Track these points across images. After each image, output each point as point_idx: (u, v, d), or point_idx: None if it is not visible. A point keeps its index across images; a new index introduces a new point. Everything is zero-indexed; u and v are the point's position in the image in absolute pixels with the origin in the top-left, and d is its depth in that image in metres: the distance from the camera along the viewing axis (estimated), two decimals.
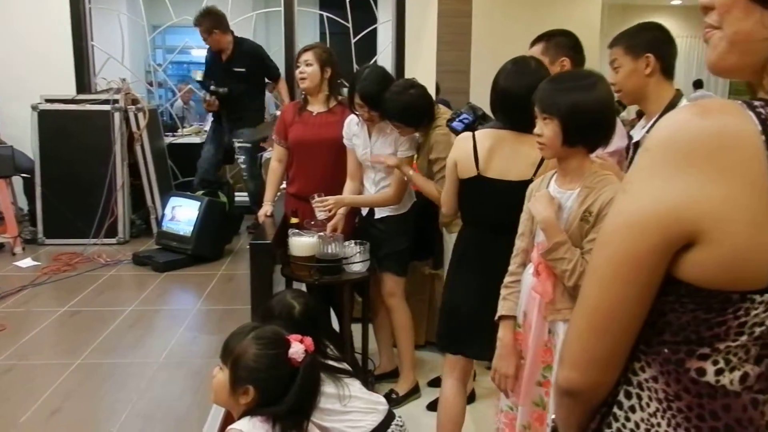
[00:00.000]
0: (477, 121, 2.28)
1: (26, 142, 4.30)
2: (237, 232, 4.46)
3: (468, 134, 1.99)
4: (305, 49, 2.87)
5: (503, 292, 1.79)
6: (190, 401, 2.31)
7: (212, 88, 4.43)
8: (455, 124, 2.32)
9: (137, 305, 3.20)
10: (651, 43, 1.86)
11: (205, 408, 2.18)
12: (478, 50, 7.03)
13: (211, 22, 4.34)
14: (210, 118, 5.21)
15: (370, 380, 2.81)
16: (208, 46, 4.56)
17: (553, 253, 1.58)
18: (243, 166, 4.54)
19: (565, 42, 2.30)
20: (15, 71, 4.63)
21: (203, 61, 4.75)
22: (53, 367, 2.52)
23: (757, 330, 0.66)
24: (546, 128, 1.60)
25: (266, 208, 3.06)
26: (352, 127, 2.68)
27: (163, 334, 2.92)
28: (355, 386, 1.81)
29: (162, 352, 2.68)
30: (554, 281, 1.62)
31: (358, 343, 2.92)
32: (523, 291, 1.75)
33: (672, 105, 1.85)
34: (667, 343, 0.71)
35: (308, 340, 1.53)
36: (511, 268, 1.80)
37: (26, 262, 3.80)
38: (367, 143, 2.65)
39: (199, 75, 4.69)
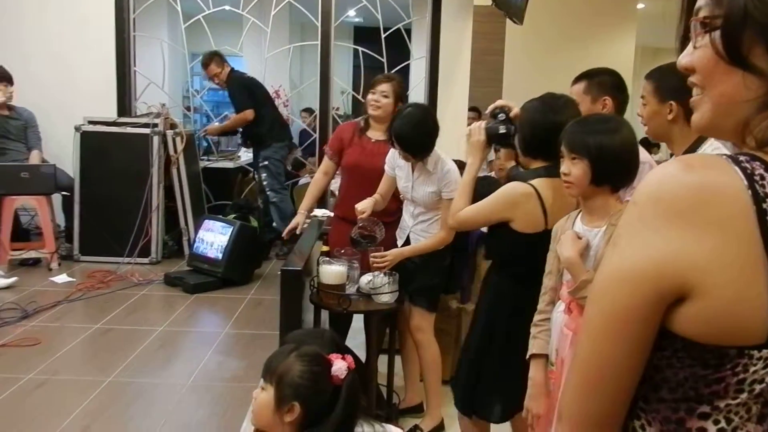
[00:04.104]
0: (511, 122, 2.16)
1: (68, 161, 4.44)
2: (267, 257, 4.51)
3: (530, 191, 1.89)
4: (385, 80, 2.91)
5: (533, 330, 1.79)
6: (216, 426, 2.32)
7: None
8: (494, 126, 2.14)
9: (167, 326, 3.25)
10: (677, 90, 1.81)
11: None
12: (510, 88, 7.10)
13: (208, 58, 4.92)
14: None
15: (394, 414, 2.79)
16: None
17: (581, 291, 1.59)
18: (264, 183, 4.78)
19: (608, 81, 2.29)
20: (61, 93, 4.81)
21: None
22: (84, 384, 2.57)
23: (758, 387, 0.65)
24: (574, 168, 1.64)
25: (299, 219, 3.05)
26: (397, 158, 2.70)
27: (191, 357, 2.95)
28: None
29: (190, 375, 2.71)
30: None
31: (383, 370, 2.91)
32: (554, 329, 1.75)
33: (691, 150, 1.83)
34: (666, 401, 0.69)
35: (349, 358, 1.54)
36: (540, 306, 1.80)
37: (62, 278, 3.89)
38: (410, 177, 2.66)
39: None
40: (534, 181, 1.91)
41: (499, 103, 2.16)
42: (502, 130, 2.09)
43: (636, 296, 0.67)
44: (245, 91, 4.95)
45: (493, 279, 2.13)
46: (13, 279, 3.72)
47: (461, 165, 3.02)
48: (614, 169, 1.62)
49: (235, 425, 2.25)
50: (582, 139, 1.63)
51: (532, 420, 1.75)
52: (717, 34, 0.68)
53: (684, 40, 0.75)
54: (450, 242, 2.69)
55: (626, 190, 1.74)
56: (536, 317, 1.79)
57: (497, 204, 1.97)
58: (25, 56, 4.79)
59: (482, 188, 2.33)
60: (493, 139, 2.12)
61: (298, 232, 3.06)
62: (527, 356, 1.78)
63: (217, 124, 5.48)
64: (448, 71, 5.14)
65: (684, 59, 0.74)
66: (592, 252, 1.64)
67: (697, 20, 0.70)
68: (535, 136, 1.93)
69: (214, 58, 4.91)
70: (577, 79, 2.32)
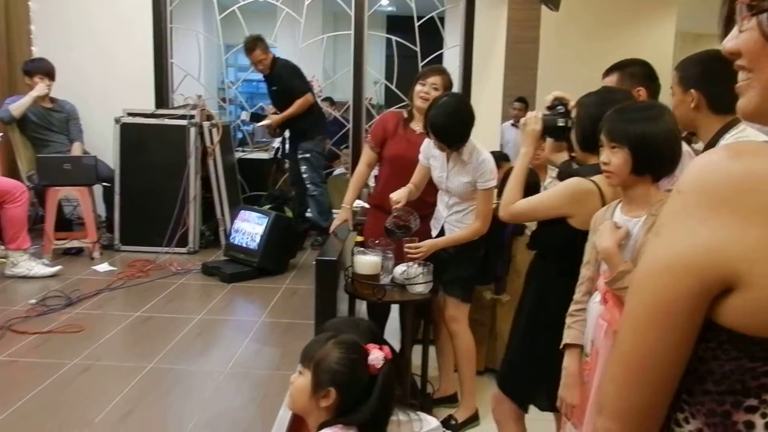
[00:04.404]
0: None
1: (108, 152, 4.54)
2: (301, 247, 4.55)
3: (593, 188, 1.85)
4: (437, 72, 2.90)
5: (568, 320, 1.78)
6: (254, 412, 2.37)
7: (247, 119, 4.94)
8: (552, 117, 2.10)
9: (205, 314, 3.31)
10: (698, 79, 1.83)
11: (269, 419, 2.24)
12: (544, 76, 7.00)
13: (252, 42, 4.66)
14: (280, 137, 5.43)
15: (428, 403, 2.80)
16: None
17: (618, 282, 1.57)
18: (305, 175, 4.73)
19: (640, 72, 2.27)
20: (102, 85, 4.92)
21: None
22: (126, 370, 2.64)
23: None
24: (614, 157, 1.62)
25: (346, 215, 3.06)
26: (432, 148, 2.69)
27: (228, 344, 3.01)
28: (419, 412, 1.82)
29: (228, 362, 2.76)
30: (621, 309, 1.60)
31: (417, 362, 2.92)
32: (590, 320, 1.73)
33: (714, 140, 1.83)
34: (711, 393, 0.68)
35: (386, 348, 1.55)
36: (576, 296, 1.79)
37: (103, 267, 3.99)
38: (445, 167, 2.65)
39: (244, 115, 5.13)
40: (595, 178, 1.85)
41: (557, 94, 2.12)
42: (560, 122, 2.05)
43: (680, 287, 0.66)
44: (299, 75, 4.83)
45: (539, 272, 2.11)
46: (58, 267, 3.84)
47: (497, 156, 3.01)
48: (656, 158, 1.60)
49: (272, 412, 2.28)
50: (623, 128, 1.60)
51: (567, 410, 1.75)
52: (765, 16, 0.66)
53: (728, 24, 0.72)
54: (485, 233, 2.68)
55: (670, 180, 1.71)
56: (572, 307, 1.78)
57: (559, 199, 1.91)
58: (70, 49, 4.91)
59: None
60: (549, 131, 2.08)
61: (350, 228, 3.06)
62: (561, 346, 1.77)
63: (258, 112, 5.38)
64: (482, 60, 5.09)
65: (729, 43, 0.71)
66: (631, 242, 1.62)
67: (743, 2, 0.68)
68: (594, 131, 1.89)
69: (258, 43, 4.68)
70: (609, 72, 2.30)
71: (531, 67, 6.99)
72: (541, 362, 1.96)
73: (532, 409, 2.17)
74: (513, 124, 5.97)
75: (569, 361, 1.76)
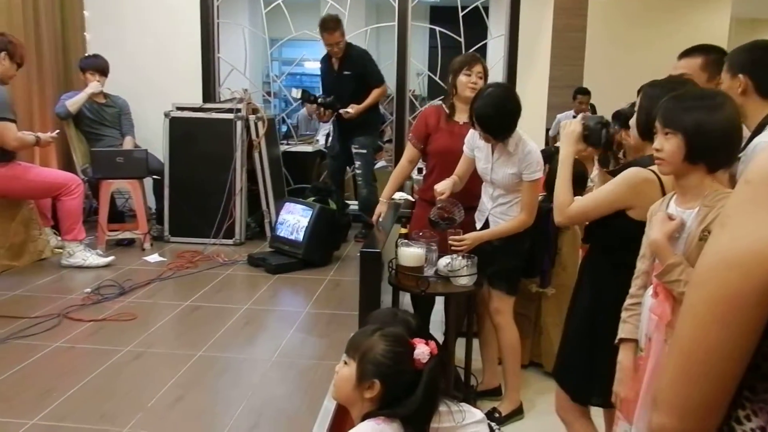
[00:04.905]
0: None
1: (158, 146, 4.66)
2: (345, 239, 4.58)
3: (652, 177, 1.79)
4: (478, 60, 2.90)
5: (623, 314, 1.75)
6: (299, 401, 2.40)
7: (320, 100, 4.60)
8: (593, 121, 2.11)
9: (251, 304, 3.38)
10: (746, 64, 1.87)
11: (314, 408, 2.27)
12: (591, 65, 6.85)
13: (336, 22, 4.50)
14: (323, 129, 5.41)
15: (471, 396, 2.80)
16: (320, 57, 4.78)
17: (667, 275, 1.54)
18: (359, 171, 4.67)
19: (722, 60, 2.22)
20: (151, 81, 5.05)
21: (316, 73, 4.94)
22: (177, 357, 2.71)
23: None
24: (667, 143, 1.57)
25: (381, 209, 3.10)
26: (476, 139, 2.68)
27: (274, 334, 3.06)
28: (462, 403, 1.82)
29: (274, 351, 2.81)
30: (672, 303, 1.57)
31: (459, 354, 2.92)
32: (645, 314, 1.70)
33: (761, 125, 1.83)
34: None
35: (432, 343, 1.56)
36: (632, 290, 1.76)
37: (154, 258, 4.11)
38: (489, 159, 2.63)
39: (295, 92, 4.90)
40: (654, 167, 1.79)
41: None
42: (600, 126, 2.07)
43: (747, 281, 0.64)
44: (375, 63, 4.72)
45: (595, 265, 2.07)
46: (111, 258, 3.97)
47: (552, 151, 2.98)
48: (711, 148, 1.54)
49: (317, 400, 2.31)
50: (677, 114, 1.56)
51: (619, 404, 1.72)
52: None
53: None
54: (530, 225, 2.65)
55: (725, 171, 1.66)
56: (627, 301, 1.76)
57: (619, 191, 1.86)
58: (122, 46, 5.06)
59: (554, 164, 2.28)
60: (590, 134, 2.06)
61: (381, 220, 3.11)
62: (615, 341, 1.75)
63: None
64: (527, 49, 5.01)
65: None
66: (684, 234, 1.57)
67: None
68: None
69: (340, 24, 4.46)
70: (688, 54, 2.30)
71: (578, 57, 6.86)
72: (597, 358, 1.93)
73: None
74: (575, 116, 5.87)
75: (623, 356, 1.74)
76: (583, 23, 6.79)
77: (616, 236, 1.92)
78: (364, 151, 4.64)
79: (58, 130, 4.18)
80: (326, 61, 4.72)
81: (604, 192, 1.93)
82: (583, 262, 2.20)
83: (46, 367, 2.61)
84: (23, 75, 4.14)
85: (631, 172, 1.85)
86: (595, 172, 2.75)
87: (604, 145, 2.08)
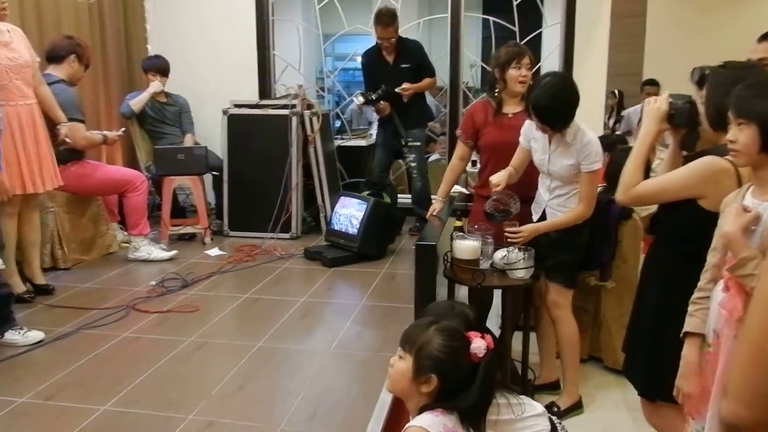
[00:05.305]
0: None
1: (217, 142, 4.79)
2: (399, 233, 4.60)
3: (729, 167, 1.73)
4: (524, 51, 2.84)
5: (690, 308, 1.70)
6: (356, 392, 2.44)
7: (374, 96, 4.57)
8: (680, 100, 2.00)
9: (308, 297, 3.44)
10: None
11: (371, 399, 2.30)
12: (652, 53, 6.62)
13: (393, 16, 4.48)
14: (375, 123, 5.41)
15: (529, 389, 2.77)
16: (364, 52, 4.76)
17: (740, 269, 1.48)
18: (413, 164, 4.65)
19: None
20: (210, 80, 5.18)
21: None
22: (237, 348, 2.79)
23: None
24: (741, 134, 1.52)
25: (436, 206, 3.10)
26: (533, 130, 2.63)
27: (331, 326, 3.11)
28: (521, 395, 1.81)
29: (331, 343, 2.85)
30: (744, 298, 1.51)
31: (516, 348, 2.89)
32: (713, 308, 1.64)
33: None
34: None
35: (488, 337, 1.54)
36: (701, 284, 1.70)
37: (214, 251, 4.23)
38: (546, 149, 2.59)
39: (359, 99, 4.74)
40: (730, 157, 1.71)
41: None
42: (687, 110, 1.93)
43: None
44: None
45: (661, 257, 2.01)
46: (174, 252, 4.11)
47: (614, 140, 2.90)
48: None
49: (374, 392, 2.34)
50: (751, 103, 1.50)
51: (683, 399, 1.68)
52: None
53: None
54: (588, 217, 2.60)
55: None
56: (695, 294, 1.70)
57: (693, 179, 1.80)
58: (182, 46, 5.20)
59: (621, 158, 2.21)
60: (676, 114, 1.95)
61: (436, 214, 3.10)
62: (681, 334, 1.70)
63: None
64: (584, 37, 4.89)
65: None
66: (760, 228, 1.51)
67: None
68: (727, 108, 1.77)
69: (396, 19, 4.46)
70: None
71: (638, 44, 6.63)
72: (667, 352, 1.88)
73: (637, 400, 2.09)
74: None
75: (688, 350, 1.69)
76: (643, 8, 6.55)
77: (685, 226, 1.86)
78: (418, 143, 4.63)
79: (123, 128, 4.35)
80: (376, 54, 4.65)
81: (675, 177, 1.86)
82: (648, 254, 2.14)
83: (116, 355, 2.74)
84: (90, 76, 4.32)
85: (707, 160, 1.78)
86: (656, 162, 2.67)
87: (688, 125, 1.99)
